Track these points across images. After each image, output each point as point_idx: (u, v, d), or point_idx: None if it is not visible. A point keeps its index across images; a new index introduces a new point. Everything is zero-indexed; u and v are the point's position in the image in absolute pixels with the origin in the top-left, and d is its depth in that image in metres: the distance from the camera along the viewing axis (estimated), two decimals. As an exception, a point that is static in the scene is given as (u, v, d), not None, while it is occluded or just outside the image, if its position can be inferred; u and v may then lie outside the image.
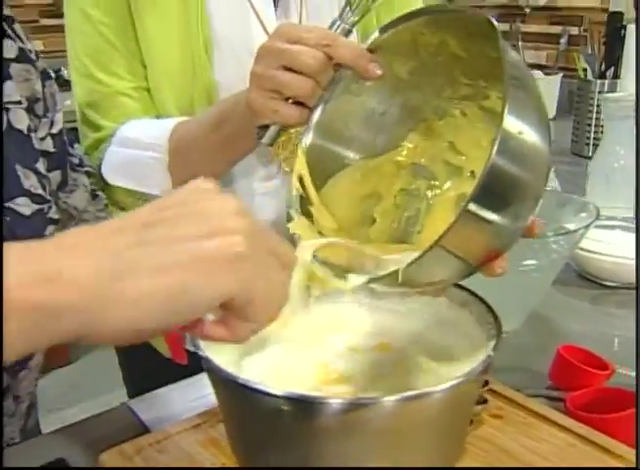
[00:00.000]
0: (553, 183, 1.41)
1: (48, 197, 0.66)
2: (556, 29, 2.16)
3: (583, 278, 1.01)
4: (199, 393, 0.72)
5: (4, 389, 0.70)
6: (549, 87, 2.08)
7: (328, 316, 0.62)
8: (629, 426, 0.61)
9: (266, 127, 0.66)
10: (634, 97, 1.16)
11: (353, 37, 0.80)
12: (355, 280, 0.53)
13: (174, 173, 0.74)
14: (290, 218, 0.60)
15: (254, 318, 0.38)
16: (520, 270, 0.82)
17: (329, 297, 0.62)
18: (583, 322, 0.90)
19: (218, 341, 0.40)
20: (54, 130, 0.71)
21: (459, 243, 0.49)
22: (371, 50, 0.62)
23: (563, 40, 2.09)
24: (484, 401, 0.64)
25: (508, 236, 0.54)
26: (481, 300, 0.57)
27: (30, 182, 0.64)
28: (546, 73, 2.12)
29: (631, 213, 1.05)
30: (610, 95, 1.24)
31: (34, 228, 0.65)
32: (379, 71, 0.61)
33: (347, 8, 0.69)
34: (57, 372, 2.48)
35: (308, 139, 0.63)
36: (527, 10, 2.16)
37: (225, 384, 0.48)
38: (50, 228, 0.67)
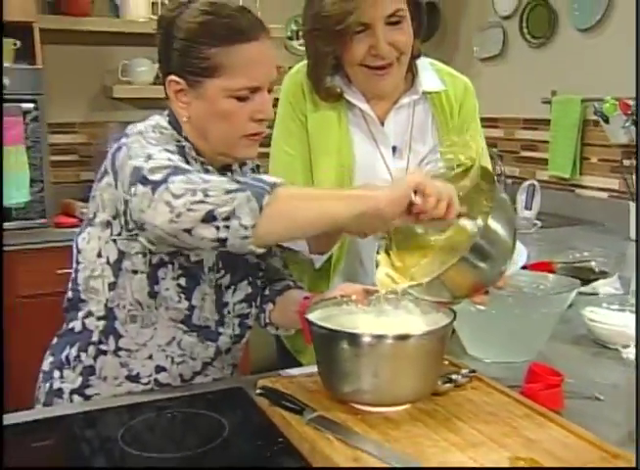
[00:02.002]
0: (616, 284, 1.82)
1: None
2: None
3: (597, 343, 1.42)
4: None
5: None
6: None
7: (381, 321, 1.14)
8: (549, 397, 1.06)
9: None
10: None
11: None
12: (403, 286, 1.07)
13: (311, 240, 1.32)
14: (378, 252, 1.15)
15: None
16: (527, 319, 1.29)
17: (383, 312, 1.14)
18: (577, 365, 1.32)
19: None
20: None
21: (454, 275, 1.02)
22: None
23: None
24: (469, 377, 1.12)
25: (486, 278, 1.06)
26: (455, 313, 1.07)
27: None
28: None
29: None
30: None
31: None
32: None
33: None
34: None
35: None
36: None
37: (315, 329, 1.04)
38: (259, 274, 1.32)
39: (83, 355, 1.23)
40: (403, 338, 1.00)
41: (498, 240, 1.05)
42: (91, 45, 3.17)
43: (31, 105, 2.67)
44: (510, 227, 1.08)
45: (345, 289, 1.19)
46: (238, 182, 0.98)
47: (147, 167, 1.03)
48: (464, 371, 1.15)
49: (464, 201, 1.08)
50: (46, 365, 1.28)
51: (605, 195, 2.89)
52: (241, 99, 1.14)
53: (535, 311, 1.28)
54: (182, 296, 1.18)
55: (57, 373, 1.25)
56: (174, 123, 1.20)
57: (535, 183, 2.82)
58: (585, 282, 1.78)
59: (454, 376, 1.12)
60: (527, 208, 2.76)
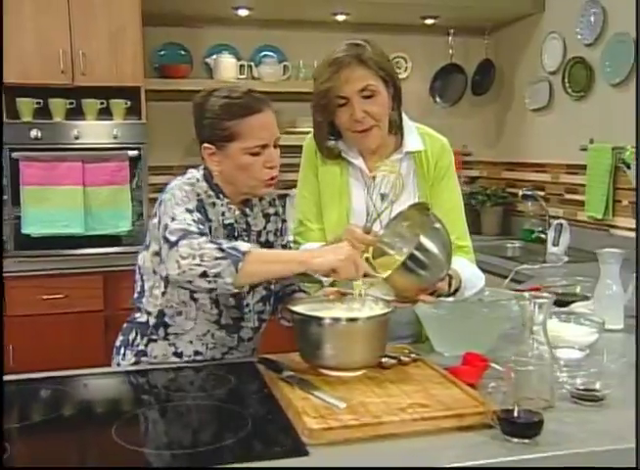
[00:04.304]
0: (591, 306, 2.13)
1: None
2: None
3: (546, 347, 1.76)
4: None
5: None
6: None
7: (348, 313, 1.55)
8: (465, 373, 1.44)
9: None
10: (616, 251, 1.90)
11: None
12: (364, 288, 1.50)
13: None
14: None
15: None
16: (476, 321, 1.66)
17: (352, 308, 1.56)
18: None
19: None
20: (286, 240, 1.82)
21: (398, 278, 1.44)
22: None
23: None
24: (413, 359, 1.52)
25: (425, 283, 1.48)
26: (395, 308, 1.48)
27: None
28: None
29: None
30: (601, 250, 1.96)
31: None
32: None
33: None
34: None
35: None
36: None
37: (294, 316, 1.47)
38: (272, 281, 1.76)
39: (139, 343, 1.71)
40: (353, 320, 1.43)
41: (431, 254, 1.46)
42: (187, 101, 3.78)
43: (136, 152, 3.29)
44: (443, 247, 1.48)
45: (327, 291, 1.62)
46: (222, 251, 1.42)
47: (169, 228, 1.49)
48: (412, 355, 1.55)
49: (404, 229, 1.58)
50: (117, 342, 1.78)
51: (633, 234, 3.13)
52: (254, 154, 1.61)
53: (482, 315, 1.66)
54: (213, 305, 1.65)
55: (122, 350, 1.74)
56: (208, 176, 1.68)
57: (563, 222, 3.13)
58: (566, 304, 2.11)
59: (401, 357, 1.52)
60: (555, 244, 3.07)
